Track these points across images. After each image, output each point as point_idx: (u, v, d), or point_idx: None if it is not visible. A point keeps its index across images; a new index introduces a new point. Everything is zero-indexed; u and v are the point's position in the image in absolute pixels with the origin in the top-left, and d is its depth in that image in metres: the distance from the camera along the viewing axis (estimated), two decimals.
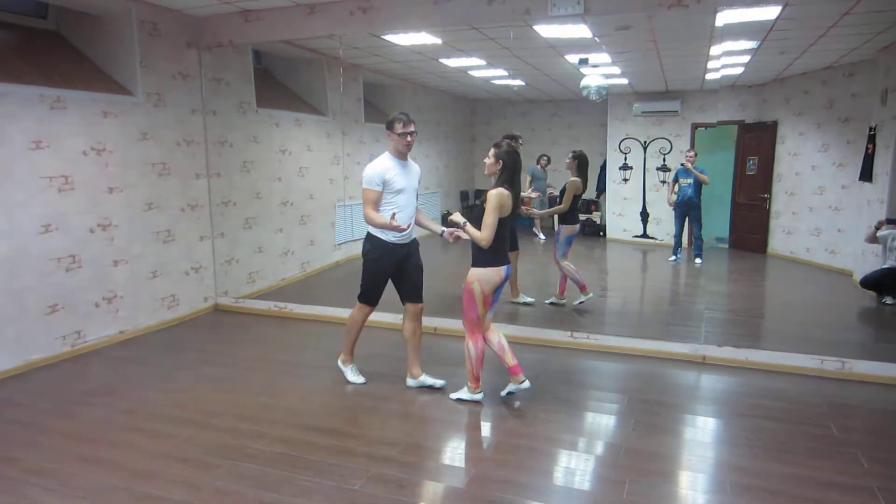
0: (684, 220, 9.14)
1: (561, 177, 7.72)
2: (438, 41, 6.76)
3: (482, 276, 3.79)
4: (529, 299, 6.40)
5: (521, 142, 5.62)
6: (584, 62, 7.86)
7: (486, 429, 3.73)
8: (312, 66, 7.99)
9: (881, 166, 7.18)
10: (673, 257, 9.23)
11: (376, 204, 3.96)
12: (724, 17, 5.56)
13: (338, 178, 8.49)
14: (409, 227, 4.04)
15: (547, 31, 6.18)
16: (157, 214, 5.58)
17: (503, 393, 4.02)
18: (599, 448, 3.48)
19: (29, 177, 4.52)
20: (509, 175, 3.76)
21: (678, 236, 9.25)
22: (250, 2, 5.37)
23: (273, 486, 2.98)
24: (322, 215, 8.21)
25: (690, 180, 8.85)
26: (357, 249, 8.98)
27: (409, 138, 3.98)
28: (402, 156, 4.06)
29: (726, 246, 10.81)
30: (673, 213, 9.27)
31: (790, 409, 3.96)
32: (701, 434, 3.69)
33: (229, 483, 3.01)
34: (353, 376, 4.35)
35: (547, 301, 6.45)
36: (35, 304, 4.61)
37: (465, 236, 3.87)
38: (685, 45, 6.97)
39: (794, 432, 3.62)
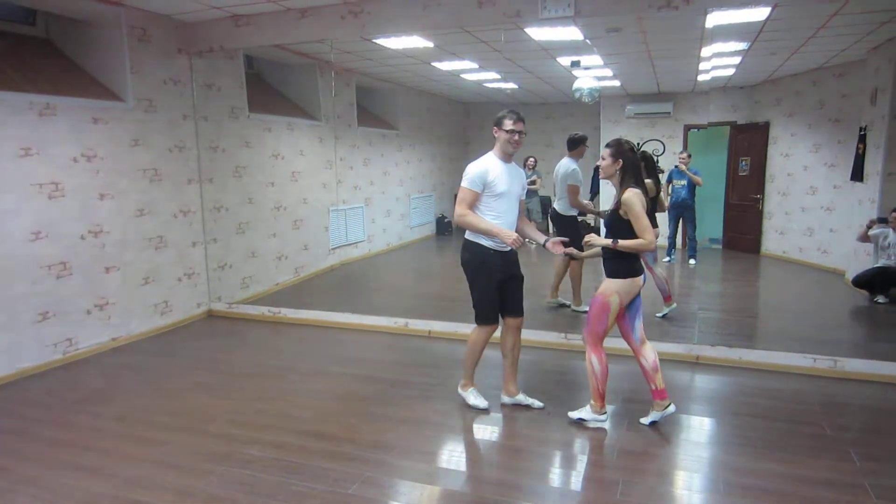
0: (678, 221, 9.18)
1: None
2: (430, 44, 6.77)
3: (622, 288, 3.48)
4: (567, 302, 6.36)
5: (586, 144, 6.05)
6: (576, 64, 7.89)
7: (480, 431, 3.72)
8: (304, 70, 8.00)
9: (871, 166, 7.21)
10: (667, 258, 9.26)
11: (472, 205, 3.61)
12: (715, 19, 5.59)
13: (331, 183, 8.49)
14: (517, 240, 3.57)
15: (538, 33, 6.20)
16: (149, 220, 5.56)
17: (646, 421, 3.68)
18: (593, 449, 3.48)
19: (18, 184, 4.50)
20: (635, 173, 3.47)
21: (672, 237, 9.29)
22: (241, 7, 5.36)
23: (267, 492, 2.96)
24: (316, 220, 8.20)
25: (684, 182, 8.89)
26: (351, 254, 9.05)
27: (517, 136, 3.64)
28: (506, 157, 3.72)
29: (720, 246, 10.85)
30: (667, 214, 9.30)
31: (783, 408, 3.97)
32: (694, 434, 3.69)
33: (222, 489, 3.00)
34: (475, 400, 3.94)
35: (658, 315, 6.09)
36: (26, 312, 4.58)
37: (584, 253, 3.59)
38: (676, 46, 7.00)
39: (786, 431, 3.63)
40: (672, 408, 3.65)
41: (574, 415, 3.70)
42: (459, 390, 4.05)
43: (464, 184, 3.63)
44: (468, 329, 5.38)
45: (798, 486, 3.00)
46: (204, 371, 4.72)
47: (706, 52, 7.18)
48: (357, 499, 2.90)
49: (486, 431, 3.72)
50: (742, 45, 6.88)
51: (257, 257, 7.07)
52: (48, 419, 3.85)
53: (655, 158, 6.09)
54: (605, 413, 3.65)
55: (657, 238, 3.69)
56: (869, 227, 6.87)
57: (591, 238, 3.59)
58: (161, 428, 3.70)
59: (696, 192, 9.00)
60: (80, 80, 5.19)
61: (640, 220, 3.36)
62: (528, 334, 5.21)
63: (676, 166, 8.97)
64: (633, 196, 3.38)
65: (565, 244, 3.68)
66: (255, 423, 3.74)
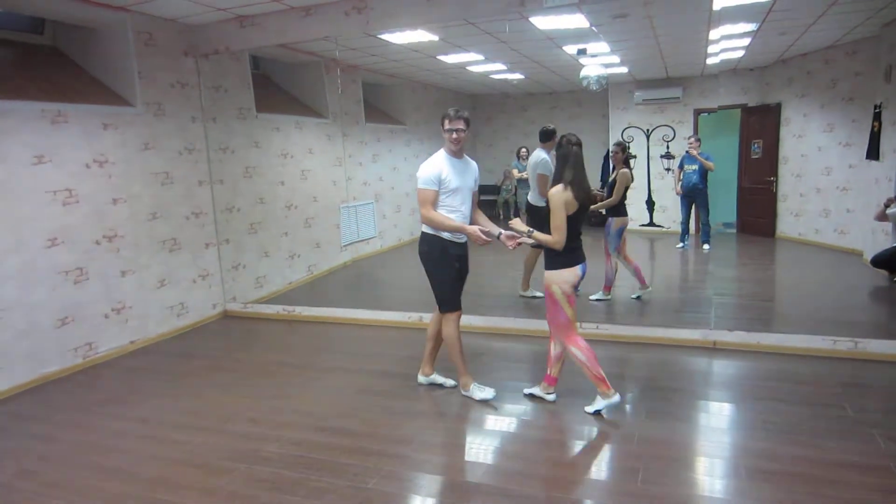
0: (691, 207, 9.08)
1: None
2: (435, 38, 6.75)
3: (559, 278, 3.61)
4: (539, 294, 6.33)
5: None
6: (582, 52, 7.82)
7: (498, 423, 3.72)
8: (311, 68, 8.00)
9: (888, 144, 7.10)
10: (680, 244, 9.18)
11: (434, 204, 3.77)
12: (722, 0, 5.52)
13: (340, 180, 8.50)
14: (482, 239, 3.75)
15: (543, 22, 6.16)
16: (162, 224, 5.60)
17: (526, 391, 3.96)
18: (613, 437, 3.47)
19: (33, 191, 4.55)
20: (564, 169, 3.57)
21: (685, 223, 9.19)
22: (245, 7, 5.37)
23: (287, 488, 2.98)
24: (326, 218, 8.22)
25: (695, 167, 8.79)
26: (363, 250, 9.06)
27: (454, 135, 3.78)
28: (455, 154, 3.86)
29: (734, 231, 10.74)
30: (679, 200, 9.22)
31: (804, 391, 3.93)
32: (714, 419, 3.67)
33: (243, 487, 3.02)
34: (481, 394, 3.96)
35: (633, 296, 6.25)
36: (45, 318, 4.64)
37: (529, 241, 3.70)
38: (684, 30, 6.92)
39: (808, 414, 3.59)
40: (553, 396, 3.85)
41: (590, 409, 3.70)
42: (462, 392, 4.05)
43: (420, 185, 3.79)
44: (482, 321, 5.43)
45: (822, 469, 2.97)
46: (222, 371, 4.76)
47: (714, 34, 7.09)
48: (377, 493, 2.91)
49: (504, 423, 3.71)
50: (751, 26, 6.78)
51: (270, 257, 7.10)
52: (72, 422, 3.90)
53: (630, 148, 6.13)
54: (615, 393, 3.63)
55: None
56: (887, 206, 6.77)
57: (513, 223, 3.73)
58: (182, 428, 3.73)
59: (709, 176, 8.90)
60: (89, 86, 5.23)
61: (555, 217, 3.52)
62: (530, 324, 5.21)
63: (687, 151, 8.88)
64: (554, 194, 3.53)
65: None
66: (274, 421, 3.76)
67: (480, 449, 3.44)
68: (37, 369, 4.58)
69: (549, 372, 3.87)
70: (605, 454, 3.29)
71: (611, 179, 6.17)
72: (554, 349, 3.82)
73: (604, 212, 6.33)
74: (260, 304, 6.53)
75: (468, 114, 3.86)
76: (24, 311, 4.49)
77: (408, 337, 5.43)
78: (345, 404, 4.00)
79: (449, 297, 3.94)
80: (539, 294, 6.31)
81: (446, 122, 3.81)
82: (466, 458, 3.31)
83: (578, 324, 5.16)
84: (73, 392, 4.43)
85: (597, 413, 3.66)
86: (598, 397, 3.66)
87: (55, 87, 4.92)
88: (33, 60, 5.07)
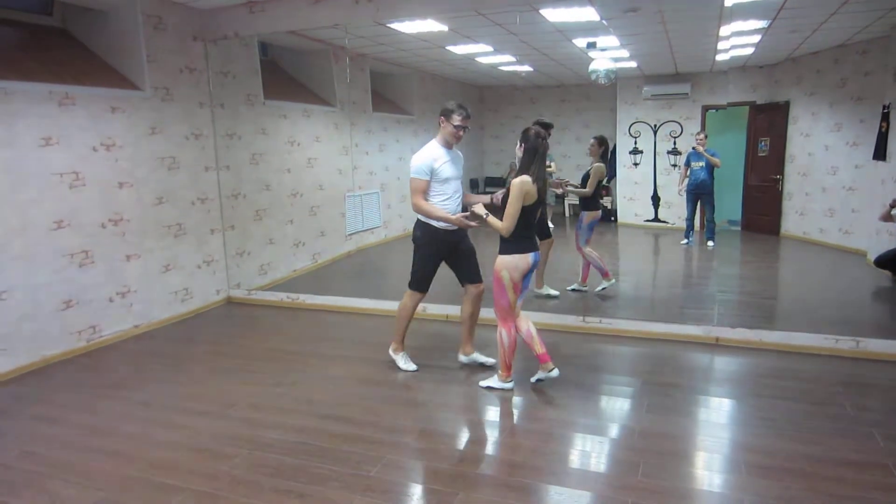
0: (696, 203, 9.09)
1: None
2: (445, 28, 6.73)
3: (509, 264, 3.74)
4: (554, 292, 6.22)
5: (549, 131, 5.49)
6: (592, 46, 7.79)
7: (500, 414, 3.74)
8: (319, 56, 7.98)
9: (895, 145, 7.08)
10: (685, 240, 9.19)
11: (425, 193, 3.98)
12: None
13: (347, 169, 8.50)
14: (463, 222, 3.97)
15: (553, 14, 6.13)
16: (168, 208, 5.62)
17: (533, 379, 4.01)
18: (614, 431, 3.48)
19: (40, 174, 4.56)
20: (530, 162, 3.70)
21: (690, 219, 9.20)
22: None
23: (289, 474, 3.00)
24: (332, 206, 8.22)
25: (702, 163, 8.78)
26: (368, 239, 9.09)
27: (461, 132, 4.02)
28: (449, 145, 4.09)
29: (738, 228, 10.74)
30: (685, 196, 9.21)
31: (805, 389, 3.94)
32: (715, 415, 3.69)
33: (246, 472, 3.04)
34: (405, 363, 4.36)
35: (569, 287, 6.39)
36: (49, 301, 4.66)
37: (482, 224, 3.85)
38: (694, 26, 6.89)
39: (809, 412, 3.60)
40: (556, 372, 3.93)
41: (483, 383, 4.02)
42: (391, 353, 4.43)
43: (413, 174, 3.98)
44: (485, 313, 5.41)
45: (821, 467, 2.98)
46: (225, 357, 4.78)
47: (725, 30, 7.05)
48: (379, 481, 2.93)
49: (507, 414, 3.73)
50: (762, 23, 6.75)
51: (275, 244, 7.12)
52: (75, 405, 3.92)
53: (611, 143, 6.10)
54: (511, 380, 3.95)
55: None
56: (892, 207, 6.74)
57: (476, 207, 3.87)
58: (184, 412, 3.76)
59: (715, 173, 8.89)
60: (97, 69, 5.23)
61: (511, 206, 3.65)
62: (545, 318, 5.22)
63: (694, 148, 8.86)
64: (517, 183, 3.65)
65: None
66: (277, 408, 3.78)
67: (482, 439, 3.46)
68: (40, 351, 4.60)
69: (536, 353, 3.93)
70: (606, 448, 3.30)
71: (585, 173, 6.16)
72: (522, 330, 3.92)
73: (577, 203, 6.38)
74: (264, 291, 6.55)
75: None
76: (28, 293, 4.51)
77: (411, 327, 5.42)
78: (347, 392, 4.02)
79: (421, 278, 4.21)
80: (554, 292, 6.24)
81: (457, 117, 3.97)
82: (468, 448, 3.33)
83: (581, 317, 5.18)
84: (76, 375, 4.45)
85: (489, 388, 3.96)
86: (496, 377, 4.00)
87: (63, 68, 4.92)
88: (41, 42, 5.06)
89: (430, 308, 5.67)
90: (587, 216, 6.16)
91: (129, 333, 5.28)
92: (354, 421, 3.58)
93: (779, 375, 4.19)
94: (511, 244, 3.75)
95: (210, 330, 5.55)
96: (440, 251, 4.14)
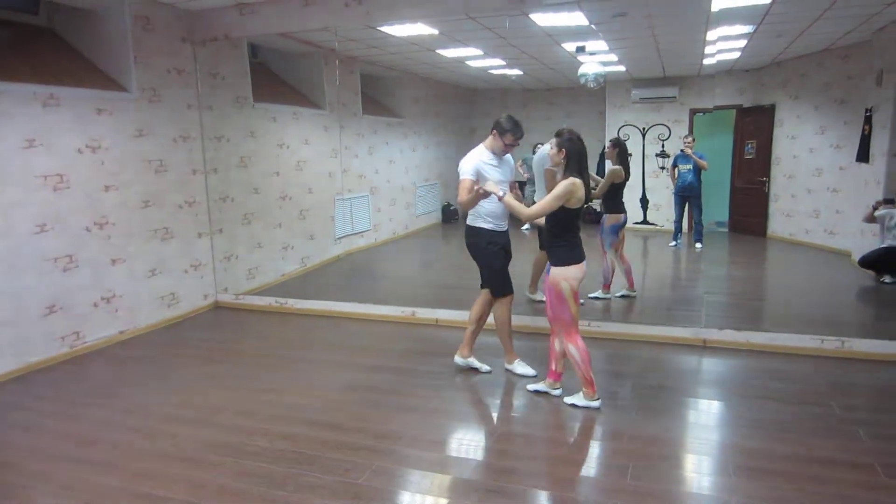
0: (684, 206, 9.14)
1: None
2: (435, 32, 6.72)
3: (569, 275, 3.61)
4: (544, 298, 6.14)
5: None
6: (581, 50, 7.82)
7: (488, 419, 3.74)
8: (309, 59, 7.96)
9: (878, 147, 7.16)
10: (673, 243, 9.24)
11: (469, 191, 3.98)
12: (720, 2, 5.53)
13: (336, 172, 8.47)
14: (506, 218, 4.12)
15: (543, 19, 6.14)
16: (154, 212, 5.57)
17: (531, 388, 3.97)
18: (603, 434, 3.48)
19: (23, 176, 4.50)
20: (576, 164, 3.55)
21: (678, 221, 9.25)
22: None
23: (276, 483, 2.98)
24: (321, 209, 8.19)
25: (690, 166, 8.83)
26: (357, 243, 9.04)
27: (511, 149, 4.14)
28: (499, 155, 4.14)
29: (726, 230, 10.82)
30: (672, 198, 9.26)
31: (791, 390, 3.97)
32: (703, 417, 3.70)
33: (232, 480, 3.01)
34: (523, 369, 4.27)
35: (617, 294, 6.22)
36: (32, 306, 4.60)
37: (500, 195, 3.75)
38: (682, 30, 6.93)
39: (795, 412, 3.63)
40: (559, 391, 3.89)
41: (568, 400, 3.81)
42: (506, 366, 4.33)
43: (462, 175, 4.03)
44: (460, 316, 5.41)
45: (808, 467, 3.00)
46: (212, 362, 4.74)
47: (712, 35, 7.11)
48: (367, 489, 2.91)
49: (496, 419, 3.73)
50: (748, 28, 6.80)
51: (263, 248, 7.08)
52: (56, 413, 3.87)
53: (661, 144, 6.02)
54: (598, 397, 3.74)
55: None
56: (875, 208, 6.83)
57: (489, 185, 3.78)
58: (170, 420, 3.72)
59: (703, 175, 8.95)
60: (83, 70, 5.17)
61: (549, 201, 3.52)
62: (536, 321, 5.22)
63: (682, 150, 8.92)
64: (565, 184, 3.51)
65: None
66: (264, 414, 3.75)
67: (471, 445, 3.44)
68: (22, 358, 4.54)
69: (553, 368, 3.88)
70: (595, 451, 3.30)
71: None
72: (557, 346, 3.84)
73: (599, 209, 6.29)
74: (252, 295, 6.51)
75: None
76: (10, 298, 4.44)
77: (400, 332, 5.43)
78: (336, 398, 4.00)
79: (501, 282, 4.19)
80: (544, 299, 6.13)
81: (510, 137, 4.01)
82: (457, 454, 3.32)
83: (587, 323, 5.18)
84: (59, 382, 4.39)
85: (573, 405, 3.76)
86: (581, 394, 3.75)
87: (48, 69, 4.86)
88: (27, 41, 5.00)
89: (420, 312, 5.66)
90: (608, 219, 6.02)
91: (115, 339, 5.23)
92: (343, 427, 3.56)
93: (766, 376, 4.22)
94: (564, 254, 3.62)
95: (197, 335, 5.51)
96: (500, 248, 4.15)
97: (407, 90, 10.54)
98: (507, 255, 4.22)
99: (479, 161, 4.03)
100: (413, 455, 3.25)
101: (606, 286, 6.18)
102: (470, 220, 4.16)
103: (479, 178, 3.96)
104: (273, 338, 5.39)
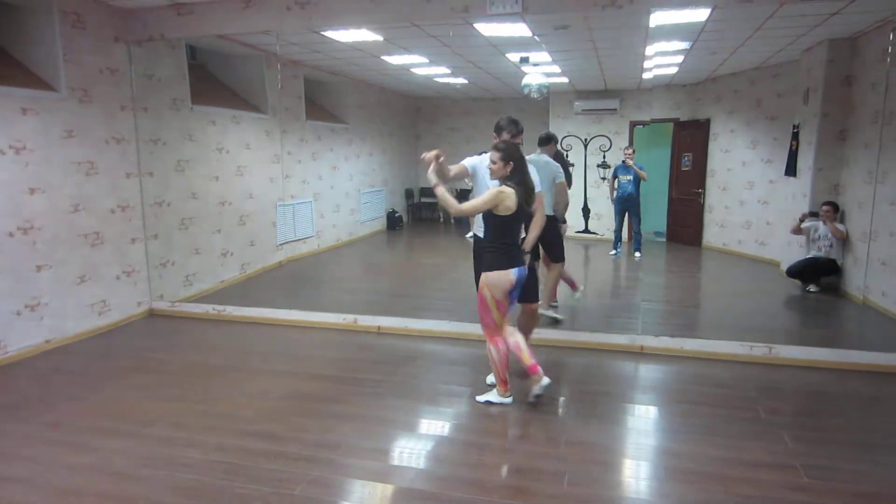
0: (624, 215, 9.38)
1: None
2: (380, 38, 6.71)
3: (491, 283, 3.66)
4: (559, 316, 5.84)
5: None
6: (524, 61, 7.95)
7: (430, 427, 3.72)
8: (251, 62, 7.81)
9: (804, 162, 7.53)
10: (613, 251, 9.47)
11: (459, 174, 3.98)
12: (658, 19, 5.72)
13: (278, 178, 8.33)
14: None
15: (487, 29, 6.22)
16: (84, 216, 5.33)
17: (531, 398, 3.85)
18: (541, 440, 3.52)
19: None
20: (517, 174, 3.61)
21: (618, 231, 9.49)
22: None
23: (209, 496, 2.88)
24: (262, 215, 8.03)
25: (630, 177, 9.09)
26: (299, 250, 8.90)
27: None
28: None
29: (664, 240, 11.15)
30: (613, 208, 9.50)
31: (722, 394, 4.11)
32: (639, 422, 3.79)
33: (162, 495, 2.90)
34: (538, 388, 3.85)
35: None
36: None
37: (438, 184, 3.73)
38: (621, 45, 7.14)
39: (725, 416, 3.76)
40: (546, 380, 3.79)
41: (481, 398, 3.93)
42: (536, 392, 3.87)
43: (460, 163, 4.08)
44: (418, 325, 5.41)
45: (735, 469, 3.11)
46: (144, 372, 4.56)
47: (650, 50, 7.35)
48: (303, 499, 2.86)
49: (436, 426, 3.72)
50: (684, 45, 7.07)
51: (201, 254, 6.88)
52: None
53: (567, 156, 6.06)
54: (510, 395, 3.90)
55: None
56: (802, 221, 7.18)
57: (429, 171, 3.74)
58: (97, 433, 3.55)
59: (642, 186, 9.22)
60: (8, 67, 4.92)
61: (476, 204, 3.66)
62: (468, 328, 5.24)
63: (623, 161, 9.16)
64: (495, 191, 3.60)
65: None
66: (197, 425, 3.63)
67: (410, 453, 3.42)
68: None
69: (525, 364, 3.79)
70: (533, 458, 3.33)
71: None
72: (511, 343, 3.81)
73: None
74: (189, 302, 6.31)
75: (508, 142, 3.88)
76: None
77: (341, 339, 5.36)
78: (272, 408, 3.91)
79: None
80: (559, 316, 5.89)
81: (506, 135, 3.97)
82: (397, 462, 3.29)
83: (513, 328, 5.23)
84: None
85: (487, 403, 3.89)
86: (494, 391, 3.93)
87: None
88: None
89: (362, 319, 5.60)
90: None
91: (39, 349, 4.97)
92: (279, 437, 3.48)
93: (698, 382, 4.36)
94: (490, 259, 3.67)
95: (129, 344, 5.30)
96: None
97: (352, 96, 10.48)
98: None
99: (479, 160, 4.01)
100: (352, 464, 3.21)
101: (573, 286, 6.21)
102: (476, 229, 4.08)
103: (474, 172, 3.98)
104: (209, 346, 5.23)
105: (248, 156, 7.69)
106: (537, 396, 3.84)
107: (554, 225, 5.29)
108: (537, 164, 5.44)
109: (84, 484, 3.00)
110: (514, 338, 3.84)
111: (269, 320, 5.85)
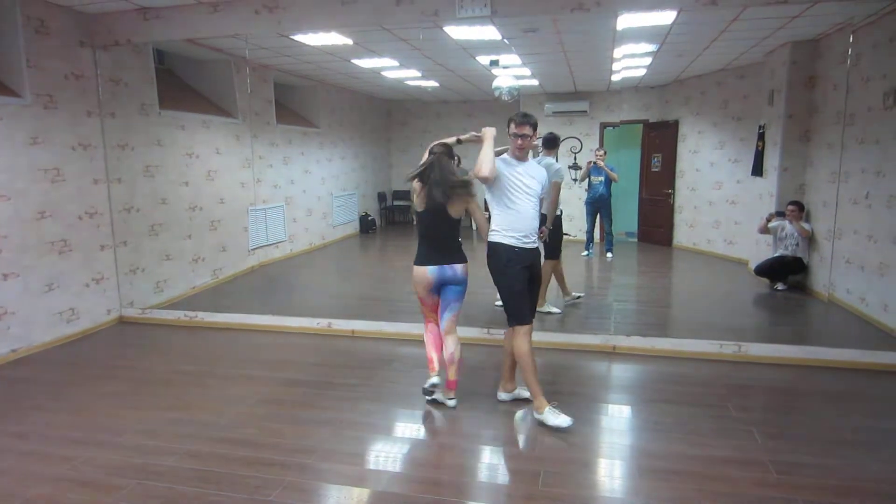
0: (596, 216, 9.49)
1: None
2: (349, 42, 6.70)
3: (413, 275, 3.91)
4: (555, 309, 6.08)
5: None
6: (494, 63, 8.00)
7: (405, 430, 3.73)
8: (219, 66, 7.73)
9: (770, 162, 7.71)
10: (585, 252, 9.56)
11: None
12: (625, 21, 5.81)
13: (249, 182, 8.26)
14: (534, 233, 3.73)
15: (457, 32, 6.25)
16: (51, 223, 5.23)
17: (428, 397, 3.94)
18: (515, 441, 3.56)
19: None
20: (425, 168, 3.80)
21: (590, 232, 9.59)
22: None
23: None
24: (234, 220, 7.95)
25: (601, 178, 9.20)
26: (272, 254, 8.83)
27: (519, 141, 3.65)
28: (519, 157, 3.73)
29: (635, 240, 11.30)
30: (584, 209, 9.60)
31: (693, 393, 4.19)
32: (612, 421, 3.84)
33: None
34: (555, 419, 3.58)
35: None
36: None
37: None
38: (590, 47, 7.23)
39: (696, 414, 3.83)
40: (453, 402, 3.91)
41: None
42: (535, 415, 3.72)
43: None
44: (392, 328, 5.41)
45: (706, 466, 3.17)
46: (115, 380, 4.49)
47: (618, 53, 7.45)
48: None
49: (412, 430, 3.72)
50: (651, 47, 7.18)
51: (172, 260, 6.79)
52: None
53: (573, 157, 6.18)
54: (434, 375, 3.96)
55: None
56: (768, 220, 7.34)
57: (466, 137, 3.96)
58: (67, 443, 3.49)
59: (613, 187, 9.33)
60: None
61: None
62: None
63: (595, 162, 9.27)
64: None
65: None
66: (170, 433, 3.59)
67: (386, 457, 3.42)
68: None
69: (448, 377, 3.94)
70: (507, 459, 3.36)
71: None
72: (445, 351, 3.95)
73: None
74: (160, 309, 6.22)
75: (535, 119, 3.72)
76: None
77: (316, 344, 5.34)
78: (247, 414, 3.88)
79: (516, 308, 3.68)
80: (556, 309, 6.08)
81: (512, 125, 3.67)
82: (372, 467, 3.29)
83: (487, 330, 5.26)
84: None
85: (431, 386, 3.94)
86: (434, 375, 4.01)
87: None
88: None
89: (336, 324, 5.59)
90: None
91: (6, 359, 4.86)
92: (254, 443, 3.46)
93: (670, 381, 4.43)
94: (416, 253, 3.91)
95: (99, 352, 5.21)
96: (520, 271, 3.67)
97: (322, 100, 10.44)
98: (532, 277, 3.76)
99: (499, 159, 3.69)
100: (327, 469, 3.20)
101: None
102: (490, 236, 3.74)
103: (499, 173, 3.62)
104: (181, 353, 5.17)
105: (218, 160, 7.61)
106: (434, 400, 3.94)
107: (555, 223, 5.52)
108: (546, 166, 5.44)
109: (54, 495, 2.95)
110: (452, 349, 3.90)
111: (243, 326, 5.79)
